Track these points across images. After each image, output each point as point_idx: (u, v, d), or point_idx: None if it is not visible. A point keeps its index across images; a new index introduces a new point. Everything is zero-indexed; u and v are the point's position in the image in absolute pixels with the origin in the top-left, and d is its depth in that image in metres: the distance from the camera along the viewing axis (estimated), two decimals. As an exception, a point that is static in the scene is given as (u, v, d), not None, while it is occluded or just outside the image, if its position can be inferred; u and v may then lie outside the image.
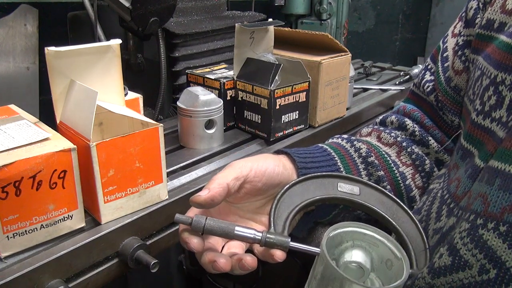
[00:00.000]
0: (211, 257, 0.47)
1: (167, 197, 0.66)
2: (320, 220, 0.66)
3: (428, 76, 0.69)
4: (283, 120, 0.87)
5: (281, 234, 0.48)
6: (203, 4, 1.12)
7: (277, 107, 0.84)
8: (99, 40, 0.95)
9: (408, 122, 0.69)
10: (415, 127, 0.68)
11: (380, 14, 2.52)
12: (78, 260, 0.57)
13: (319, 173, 0.57)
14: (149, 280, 1.15)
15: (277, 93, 0.83)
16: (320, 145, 0.67)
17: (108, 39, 0.77)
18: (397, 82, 1.34)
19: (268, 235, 0.47)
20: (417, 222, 0.54)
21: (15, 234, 0.53)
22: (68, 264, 0.55)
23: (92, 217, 0.62)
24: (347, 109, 1.05)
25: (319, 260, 0.43)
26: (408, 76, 1.36)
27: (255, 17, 1.19)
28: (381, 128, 0.72)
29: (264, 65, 0.87)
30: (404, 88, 1.28)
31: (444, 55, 0.66)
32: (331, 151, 0.64)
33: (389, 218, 0.54)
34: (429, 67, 0.70)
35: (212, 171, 0.76)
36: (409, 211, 0.55)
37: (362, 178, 0.63)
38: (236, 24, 0.85)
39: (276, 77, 0.84)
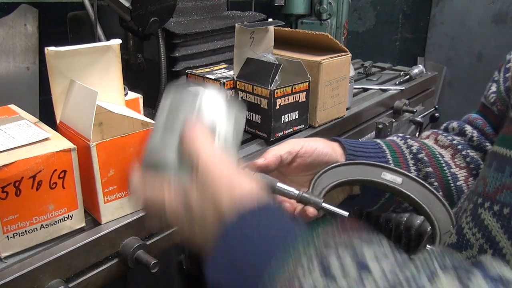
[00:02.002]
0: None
1: (167, 197, 0.66)
2: (366, 209, 0.71)
3: (493, 88, 0.70)
4: (283, 120, 0.87)
5: (317, 196, 0.55)
6: (203, 4, 1.12)
7: (277, 107, 0.84)
8: (99, 40, 0.94)
9: (468, 128, 0.71)
10: (474, 132, 0.69)
11: (380, 14, 2.52)
12: (78, 260, 0.56)
13: (366, 161, 0.61)
14: (149, 280, 1.15)
15: (277, 93, 0.83)
16: (373, 139, 0.71)
17: (108, 39, 0.76)
18: (397, 82, 1.33)
19: (304, 193, 0.55)
20: (450, 210, 0.57)
21: (15, 234, 0.53)
22: (68, 264, 0.55)
23: (92, 217, 0.62)
24: (347, 109, 1.05)
25: None
26: (408, 76, 1.36)
27: (255, 17, 1.19)
28: (440, 132, 0.74)
29: (264, 65, 0.87)
30: (404, 88, 1.28)
31: (507, 66, 0.67)
32: (383, 145, 0.68)
33: (423, 205, 0.58)
34: (495, 78, 0.71)
35: (212, 171, 0.76)
36: (444, 202, 0.58)
37: (411, 172, 0.65)
38: (236, 24, 0.85)
39: (276, 77, 0.84)
